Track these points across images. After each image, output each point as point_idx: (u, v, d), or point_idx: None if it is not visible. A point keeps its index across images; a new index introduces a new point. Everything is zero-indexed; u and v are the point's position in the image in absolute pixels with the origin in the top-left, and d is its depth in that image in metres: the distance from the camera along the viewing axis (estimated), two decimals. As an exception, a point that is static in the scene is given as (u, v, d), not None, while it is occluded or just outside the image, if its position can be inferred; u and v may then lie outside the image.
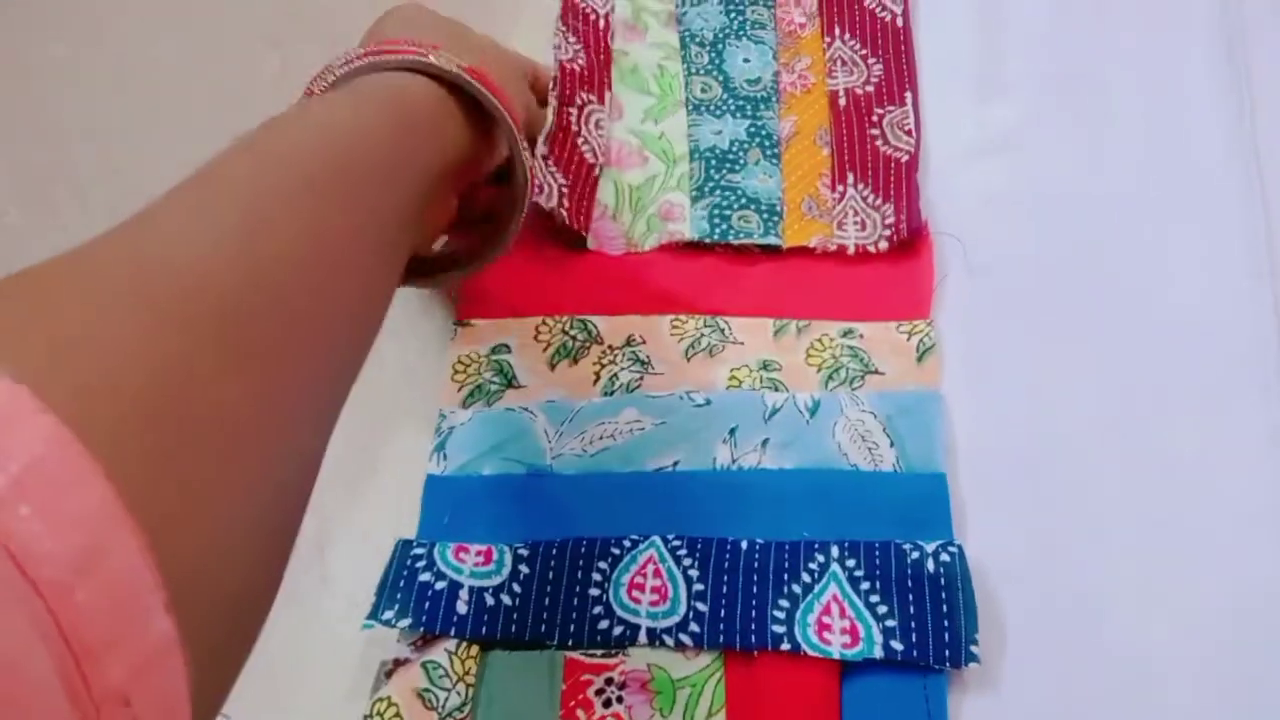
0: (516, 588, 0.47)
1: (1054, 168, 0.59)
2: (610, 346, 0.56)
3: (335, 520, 0.52)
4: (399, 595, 0.47)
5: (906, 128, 0.60)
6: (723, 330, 0.56)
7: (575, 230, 0.57)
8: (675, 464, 0.52)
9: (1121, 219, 0.57)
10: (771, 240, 0.57)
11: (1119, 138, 0.59)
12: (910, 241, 0.56)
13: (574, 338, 0.56)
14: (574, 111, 0.60)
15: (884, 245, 0.56)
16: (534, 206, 0.53)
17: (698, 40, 0.66)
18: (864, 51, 0.64)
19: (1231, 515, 0.48)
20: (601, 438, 0.53)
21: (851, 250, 0.56)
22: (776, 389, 0.54)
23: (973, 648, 0.44)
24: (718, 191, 0.59)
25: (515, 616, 0.47)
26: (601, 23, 0.66)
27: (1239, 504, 0.49)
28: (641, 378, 0.54)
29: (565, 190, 0.56)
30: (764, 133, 0.61)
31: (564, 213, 0.56)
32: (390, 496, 0.53)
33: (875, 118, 0.60)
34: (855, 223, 0.57)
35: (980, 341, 0.54)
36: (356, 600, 0.48)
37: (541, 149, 0.56)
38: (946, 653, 0.44)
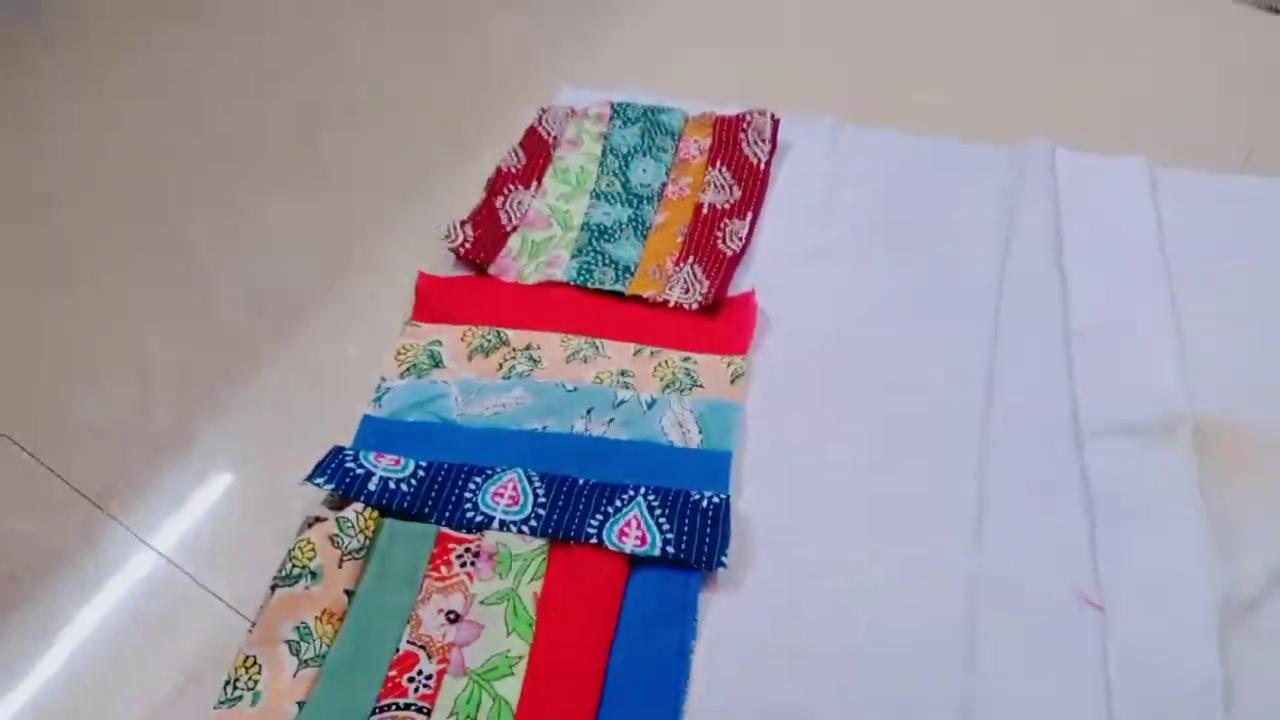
0: (414, 482, 0.67)
1: (854, 276, 0.82)
2: (514, 349, 0.77)
3: (295, 442, 0.71)
4: (328, 471, 0.66)
5: (740, 235, 0.84)
6: (597, 347, 0.77)
7: (477, 261, 0.82)
8: (544, 427, 0.72)
9: (891, 316, 0.79)
10: (618, 288, 0.81)
11: (906, 266, 0.83)
12: (717, 306, 0.79)
13: (489, 341, 0.78)
14: (500, 198, 0.87)
15: (695, 305, 0.79)
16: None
17: (614, 153, 0.91)
18: (731, 181, 0.89)
19: (928, 491, 0.68)
20: (495, 406, 0.73)
21: (672, 304, 0.79)
22: (627, 388, 0.74)
23: (724, 558, 0.63)
24: (591, 253, 0.83)
25: (409, 500, 0.66)
26: (550, 140, 0.93)
27: (939, 498, 0.68)
28: (532, 370, 0.75)
29: (469, 239, 0.83)
30: (640, 220, 0.86)
31: (462, 249, 0.82)
32: (338, 431, 0.72)
33: (722, 225, 0.85)
34: (682, 288, 0.80)
35: (778, 378, 0.76)
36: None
37: (464, 219, 0.83)
38: (705, 558, 0.63)
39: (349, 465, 0.67)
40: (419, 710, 0.58)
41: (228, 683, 0.59)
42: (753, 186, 0.89)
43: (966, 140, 0.92)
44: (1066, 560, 0.64)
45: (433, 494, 0.67)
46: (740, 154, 0.91)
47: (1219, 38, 1.05)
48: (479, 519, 0.65)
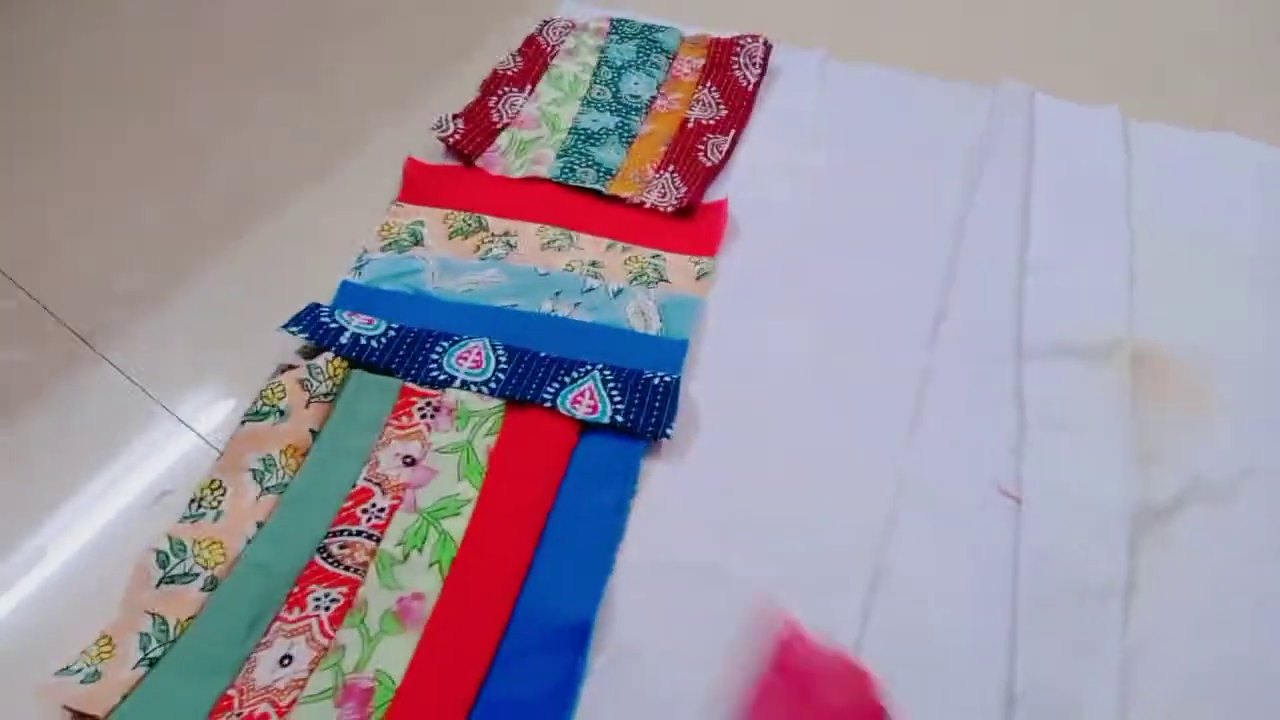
0: (384, 339, 0.71)
1: (825, 196, 0.85)
2: (492, 234, 0.81)
3: (276, 299, 0.75)
4: (304, 322, 0.70)
5: (721, 149, 0.87)
6: (571, 239, 0.81)
7: (465, 152, 0.85)
8: (514, 305, 0.76)
9: (856, 236, 0.82)
10: (597, 187, 0.84)
11: (877, 191, 0.86)
12: (690, 211, 0.82)
13: (469, 224, 0.81)
14: (494, 98, 0.90)
15: (669, 209, 0.82)
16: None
17: (609, 65, 0.95)
18: (719, 100, 0.92)
19: (872, 391, 0.72)
20: (469, 283, 0.77)
21: (647, 206, 0.83)
22: (596, 278, 0.78)
23: (668, 430, 0.67)
24: (576, 154, 0.87)
25: (378, 354, 0.70)
26: (549, 49, 0.96)
27: (881, 388, 0.72)
28: (507, 254, 0.79)
29: (460, 130, 0.86)
30: (626, 128, 0.90)
31: (451, 139, 0.85)
32: (318, 295, 0.76)
33: (704, 139, 0.88)
34: (659, 192, 0.83)
35: (741, 280, 0.79)
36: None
37: (457, 113, 0.87)
38: (651, 428, 0.67)
39: (324, 319, 0.71)
40: (369, 537, 0.62)
41: (193, 500, 0.63)
42: (739, 107, 0.92)
43: (947, 81, 0.95)
44: (991, 461, 0.68)
45: (401, 351, 0.71)
46: (730, 75, 0.94)
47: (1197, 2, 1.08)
48: (442, 377, 0.69)
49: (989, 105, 0.92)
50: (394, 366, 0.70)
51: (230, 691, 0.55)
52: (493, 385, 0.69)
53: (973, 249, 0.81)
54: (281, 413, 0.66)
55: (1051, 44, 1.01)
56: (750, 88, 0.93)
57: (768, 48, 0.96)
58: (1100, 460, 0.68)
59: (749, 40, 0.96)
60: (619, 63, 0.96)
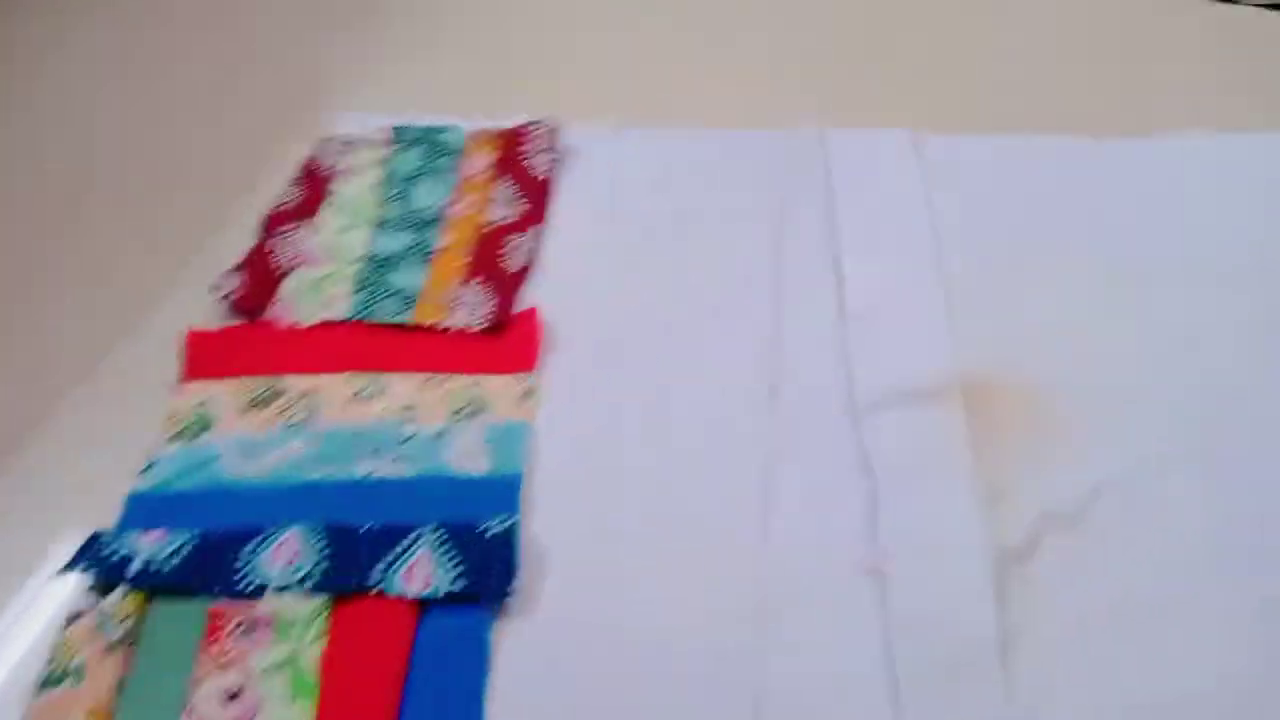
0: (182, 557, 0.64)
1: (638, 280, 0.82)
2: (291, 397, 0.74)
3: (61, 532, 0.67)
4: (85, 559, 0.62)
5: (525, 251, 0.83)
6: (381, 384, 0.75)
7: (249, 310, 0.79)
8: (327, 476, 0.70)
9: (678, 317, 0.79)
10: (401, 319, 0.78)
11: (689, 264, 0.83)
12: (503, 325, 0.78)
13: (264, 392, 0.75)
14: (273, 239, 0.84)
15: (480, 327, 0.78)
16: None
17: (395, 178, 0.90)
18: (516, 195, 0.88)
19: (719, 486, 0.68)
20: (273, 461, 0.71)
21: (455, 329, 0.78)
22: (414, 421, 0.73)
23: (514, 585, 0.62)
24: (373, 285, 0.81)
25: (176, 577, 0.63)
26: (328, 173, 0.90)
27: (728, 481, 0.69)
28: (311, 417, 0.73)
29: (240, 285, 0.80)
30: (423, 245, 0.84)
31: (231, 299, 0.79)
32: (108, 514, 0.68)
33: (506, 241, 0.84)
34: (467, 310, 0.78)
35: (567, 391, 0.75)
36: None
37: (234, 267, 0.80)
38: (494, 590, 0.62)
39: (107, 551, 0.63)
40: (197, 799, 0.55)
41: (-13, 804, 0.55)
42: (537, 199, 0.88)
43: (746, 130, 0.93)
44: (849, 536, 0.66)
45: (204, 566, 0.64)
46: (523, 167, 0.90)
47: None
48: (253, 586, 0.63)
49: (784, 149, 0.91)
50: (197, 585, 0.63)
51: None
52: (310, 583, 0.63)
53: (794, 307, 0.79)
54: (76, 673, 0.59)
55: (845, 81, 1.01)
56: (544, 177, 0.90)
57: (555, 130, 0.92)
58: (951, 510, 0.66)
59: (537, 126, 0.93)
60: (406, 173, 0.90)
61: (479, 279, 0.82)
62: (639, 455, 0.71)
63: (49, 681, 0.58)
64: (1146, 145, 0.91)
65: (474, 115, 0.95)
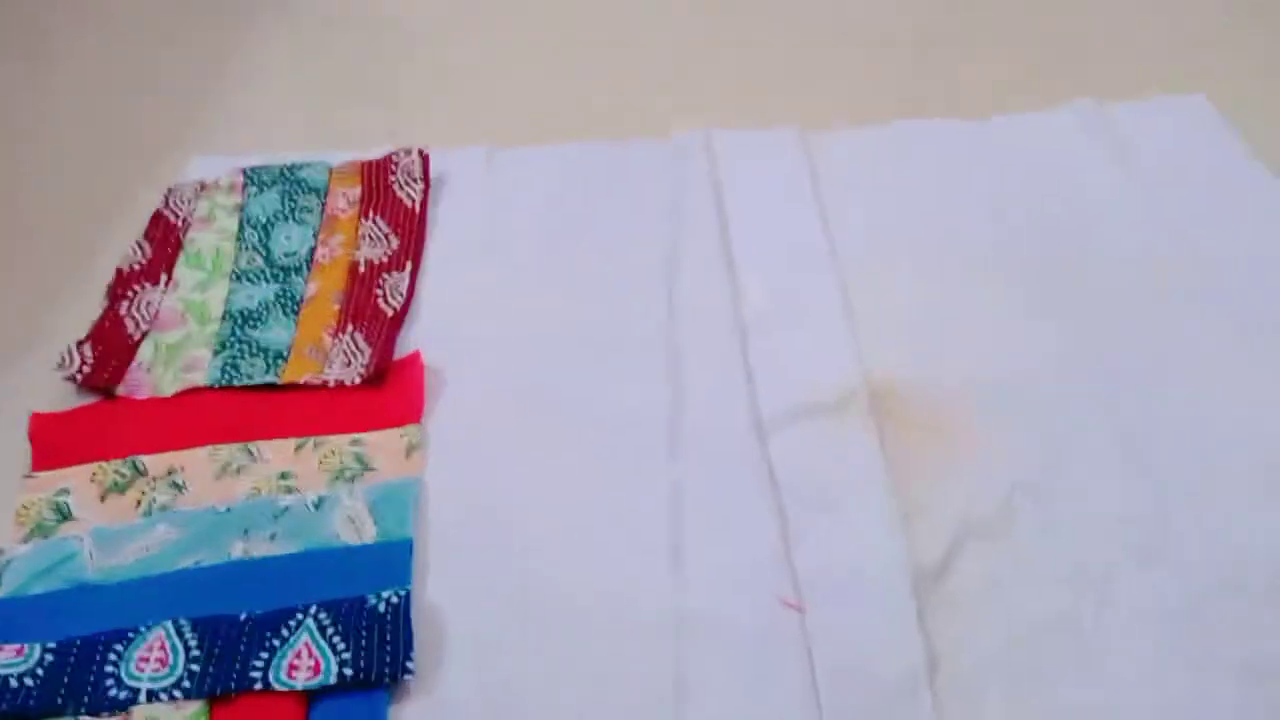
0: (40, 672, 0.58)
1: (526, 310, 0.78)
2: (154, 478, 0.68)
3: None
4: (-74, 689, 0.56)
5: (401, 290, 0.78)
6: (252, 453, 0.70)
7: (102, 385, 0.71)
8: (197, 562, 0.64)
9: (568, 348, 0.75)
10: (270, 379, 0.73)
11: (577, 289, 0.79)
12: (383, 374, 0.73)
13: (124, 475, 0.68)
14: (124, 303, 0.77)
15: (357, 379, 0.72)
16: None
17: (252, 223, 0.83)
18: (387, 230, 0.83)
19: (626, 527, 0.65)
20: (137, 551, 0.64)
21: (331, 383, 0.72)
22: (290, 492, 0.67)
23: (409, 664, 0.58)
24: (236, 345, 0.75)
25: (35, 696, 0.57)
26: (180, 223, 0.83)
27: (634, 521, 0.65)
28: (175, 499, 0.67)
29: (89, 359, 0.73)
30: (289, 295, 0.79)
31: (79, 376, 0.72)
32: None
33: (381, 281, 0.79)
34: (343, 361, 0.73)
35: (455, 440, 0.70)
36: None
37: (82, 339, 0.74)
38: (387, 671, 0.57)
39: (-49, 676, 0.57)
40: None
41: None
42: (410, 232, 0.83)
43: (623, 141, 0.89)
44: (764, 571, 0.62)
45: (65, 680, 0.57)
46: (393, 198, 0.85)
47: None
48: (123, 694, 0.57)
49: (669, 156, 0.87)
50: (60, 704, 0.57)
51: None
52: (185, 685, 0.57)
53: (690, 325, 0.76)
54: (-80, 823, 0.52)
55: (724, 80, 0.98)
56: (417, 207, 0.85)
57: (425, 158, 0.87)
58: (865, 533, 0.63)
59: (402, 155, 0.87)
60: (264, 218, 0.84)
61: (353, 326, 0.76)
62: (538, 504, 0.67)
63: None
64: (1033, 119, 0.90)
65: (338, 149, 0.90)
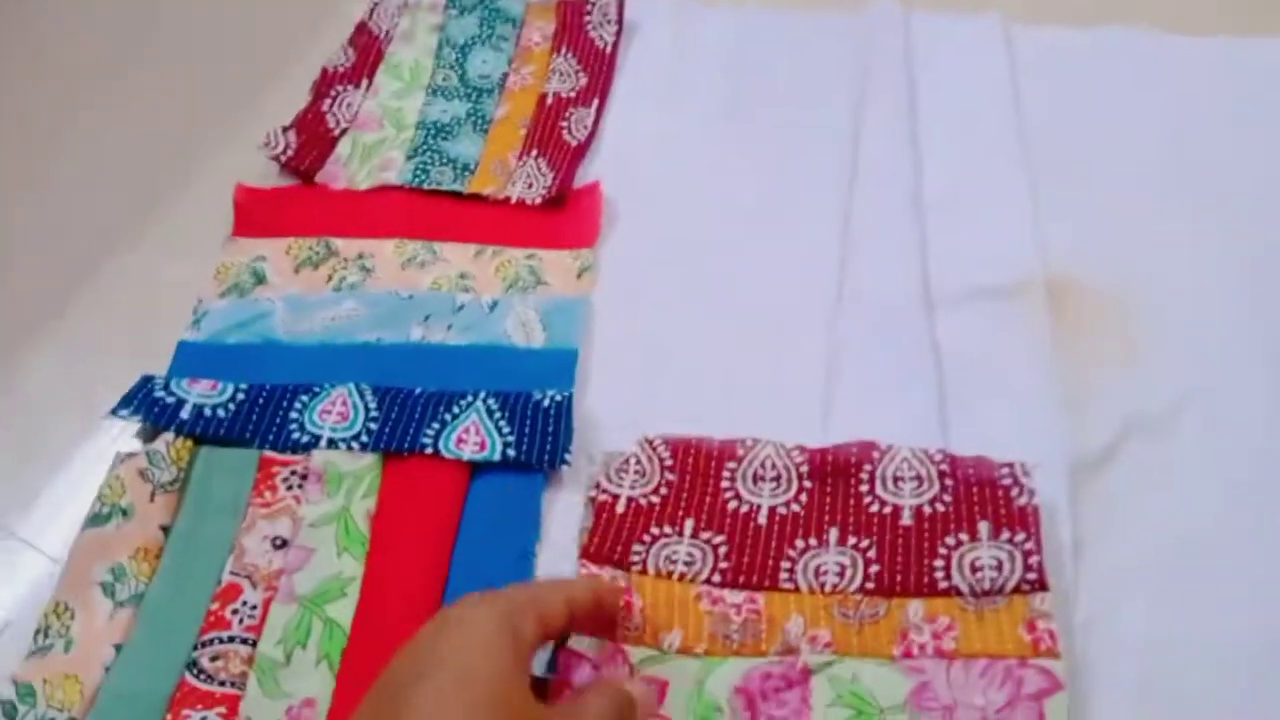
0: (232, 406, 0.63)
1: (703, 160, 0.78)
2: (345, 259, 0.72)
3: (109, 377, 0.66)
4: (135, 402, 0.61)
5: (586, 124, 0.79)
6: (435, 252, 0.73)
7: (302, 169, 0.76)
8: (378, 339, 0.68)
9: (743, 200, 0.76)
10: (456, 187, 0.76)
11: (756, 147, 0.79)
12: (562, 199, 0.75)
13: (317, 252, 0.73)
14: (327, 100, 0.81)
15: (538, 200, 0.75)
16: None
17: (450, 44, 0.86)
18: (577, 67, 0.84)
19: (779, 373, 0.66)
20: (325, 320, 0.69)
21: (514, 200, 0.75)
22: (467, 292, 0.70)
23: (566, 456, 0.60)
24: (428, 153, 0.78)
25: (226, 425, 0.62)
26: (382, 36, 0.86)
27: (788, 370, 0.66)
28: (364, 280, 0.71)
29: (292, 144, 0.77)
30: (479, 114, 0.81)
31: (283, 157, 0.76)
32: (155, 363, 0.67)
33: (567, 114, 0.80)
34: (525, 182, 0.75)
35: (626, 270, 0.72)
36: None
37: (287, 125, 0.78)
38: (546, 458, 0.60)
39: (158, 394, 0.62)
40: (244, 641, 0.55)
41: (38, 631, 0.55)
42: (599, 72, 0.84)
43: (814, 11, 0.88)
44: (914, 437, 0.63)
45: (254, 417, 0.62)
46: (585, 38, 0.86)
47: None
48: (305, 439, 0.61)
49: (860, 30, 0.86)
50: (248, 435, 0.62)
51: None
52: (364, 439, 0.61)
53: (867, 196, 0.75)
54: (124, 512, 0.58)
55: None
56: (608, 49, 0.85)
57: (620, 1, 0.88)
58: (1028, 415, 0.63)
59: (599, -4, 0.88)
60: (461, 40, 0.87)
61: (538, 151, 0.78)
62: (698, 337, 0.69)
63: (97, 519, 0.58)
64: (1246, 44, 0.85)
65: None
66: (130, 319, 0.70)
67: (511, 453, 0.61)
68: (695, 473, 0.60)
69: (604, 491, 0.59)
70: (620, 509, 0.58)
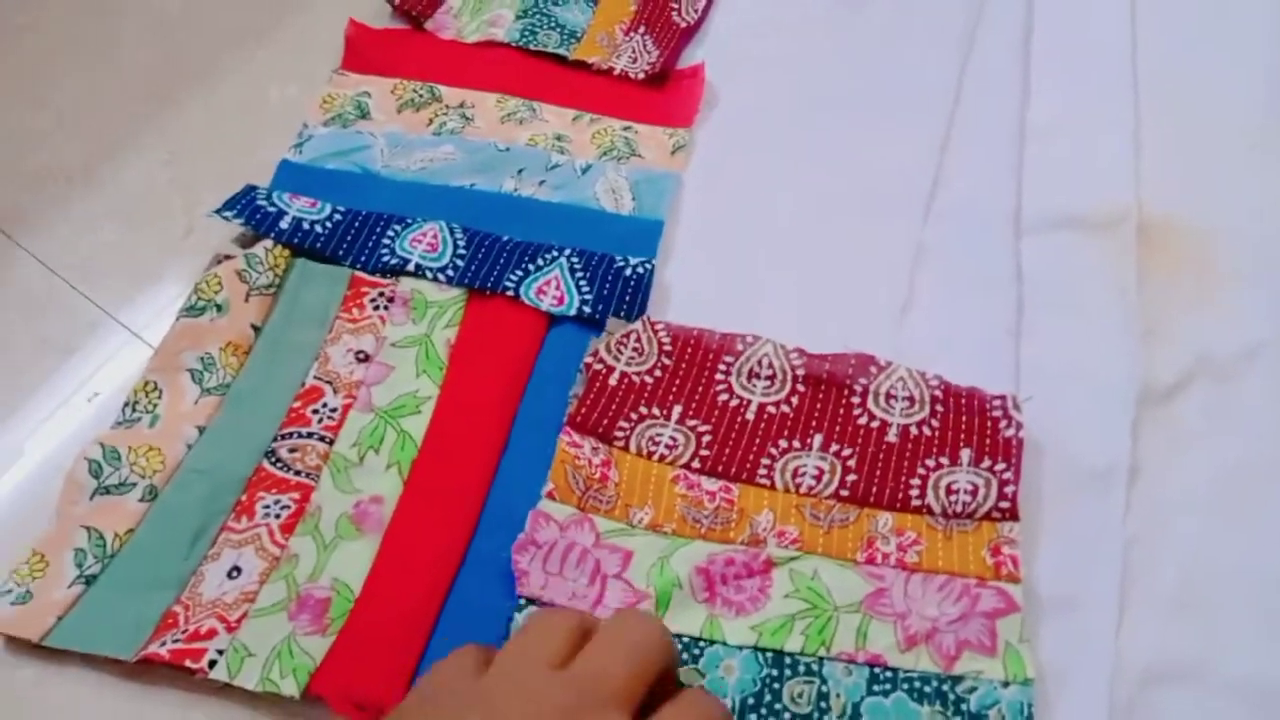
0: (329, 224, 0.65)
1: (809, 55, 0.78)
2: (447, 105, 0.73)
3: (210, 182, 0.68)
4: (239, 206, 0.63)
5: (697, 7, 0.79)
6: (534, 110, 0.74)
7: (414, 14, 0.78)
8: (473, 185, 0.69)
9: (843, 100, 0.75)
10: (561, 52, 0.76)
11: (865, 49, 0.78)
12: (664, 77, 0.75)
13: (421, 95, 0.74)
14: None
15: (641, 75, 0.75)
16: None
17: (569, -85, 0.85)
18: (693, -47, 0.83)
19: (859, 266, 0.67)
20: (422, 160, 0.70)
21: (617, 72, 0.75)
22: (562, 153, 0.71)
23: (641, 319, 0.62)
24: (538, 15, 0.79)
25: (323, 241, 0.64)
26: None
27: (868, 262, 0.67)
28: (464, 128, 0.72)
29: None
30: (591, -15, 0.81)
31: (396, 1, 0.78)
32: (256, 176, 0.69)
33: None
34: (630, 56, 0.76)
35: (720, 153, 0.73)
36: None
37: None
38: (622, 314, 0.62)
39: (260, 203, 0.64)
40: (321, 439, 0.57)
41: (126, 404, 0.58)
42: (714, -41, 0.84)
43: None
44: (988, 351, 0.63)
45: (348, 237, 0.64)
46: (706, -75, 0.85)
47: None
48: (395, 262, 0.63)
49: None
50: (341, 254, 0.64)
51: (175, 607, 0.51)
52: (450, 272, 0.63)
53: (970, 113, 0.75)
54: (219, 307, 0.60)
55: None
56: (726, -62, 0.85)
57: (745, -108, 0.86)
58: (1102, 340, 0.63)
59: (724, -116, 0.87)
60: (581, -88, 0.86)
61: (646, 28, 0.79)
62: (784, 225, 0.69)
63: (192, 310, 0.60)
64: None
65: None
66: (236, 132, 0.72)
67: (588, 309, 0.62)
68: (691, 362, 0.61)
69: (600, 361, 0.60)
70: (613, 381, 0.59)
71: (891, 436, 0.58)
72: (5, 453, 0.58)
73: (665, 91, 0.76)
